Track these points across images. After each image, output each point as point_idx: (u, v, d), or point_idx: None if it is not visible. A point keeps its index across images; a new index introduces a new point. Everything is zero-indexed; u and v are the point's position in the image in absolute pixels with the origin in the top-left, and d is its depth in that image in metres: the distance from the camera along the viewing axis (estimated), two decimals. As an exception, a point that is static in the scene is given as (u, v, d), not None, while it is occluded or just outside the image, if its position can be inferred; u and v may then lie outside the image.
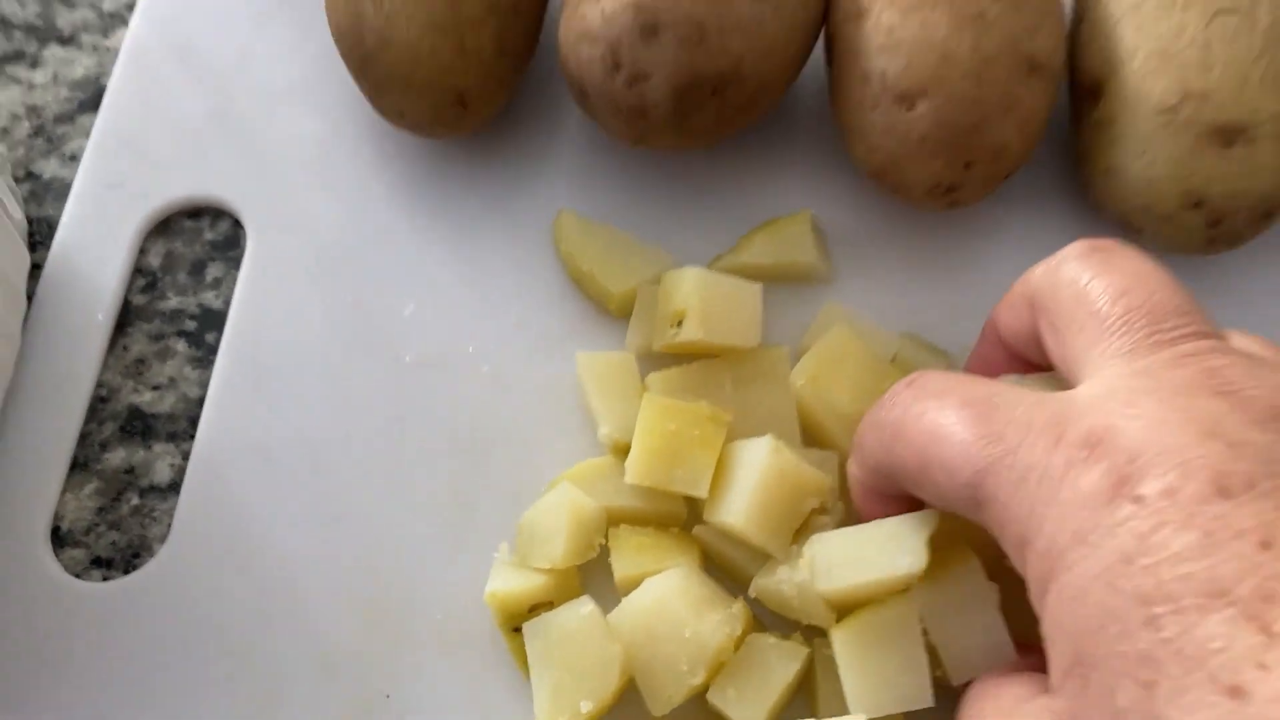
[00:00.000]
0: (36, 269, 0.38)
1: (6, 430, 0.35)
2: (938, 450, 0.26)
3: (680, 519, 0.33)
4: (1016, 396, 0.25)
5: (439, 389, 0.36)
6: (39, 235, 0.40)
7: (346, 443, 0.36)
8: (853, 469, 0.30)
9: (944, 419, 0.26)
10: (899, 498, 0.29)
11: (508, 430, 0.36)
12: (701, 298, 0.33)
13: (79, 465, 0.36)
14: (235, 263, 0.39)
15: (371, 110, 0.40)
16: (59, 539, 0.35)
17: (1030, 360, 0.29)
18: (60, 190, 0.41)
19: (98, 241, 0.39)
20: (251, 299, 0.38)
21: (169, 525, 0.35)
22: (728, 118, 0.36)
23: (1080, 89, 0.38)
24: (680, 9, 0.33)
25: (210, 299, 0.39)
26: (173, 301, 0.39)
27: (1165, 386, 0.24)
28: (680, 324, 0.34)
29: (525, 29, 0.38)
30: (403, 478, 0.35)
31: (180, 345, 0.38)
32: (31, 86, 0.43)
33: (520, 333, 0.37)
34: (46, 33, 0.45)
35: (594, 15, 0.34)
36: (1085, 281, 0.26)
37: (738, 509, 0.31)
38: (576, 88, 0.36)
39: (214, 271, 0.39)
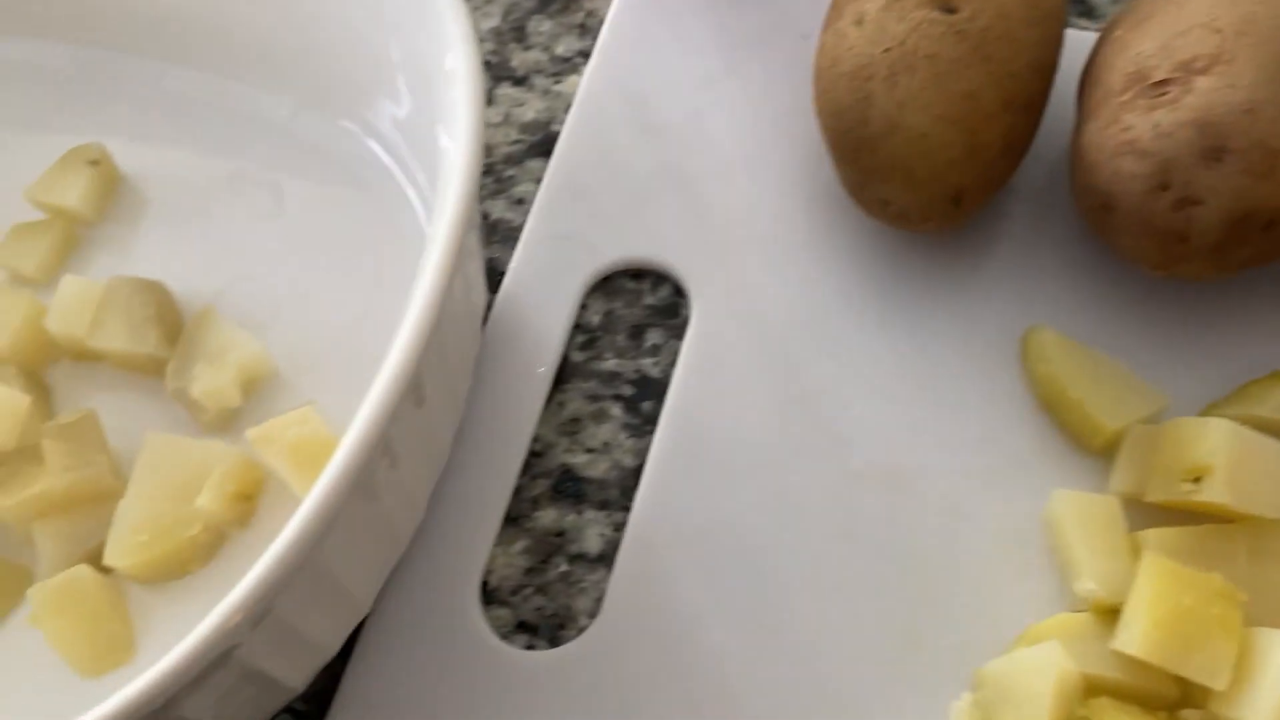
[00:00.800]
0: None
1: (451, 473, 0.35)
2: None
3: (1168, 701, 0.29)
4: None
5: (889, 504, 0.34)
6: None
7: (787, 546, 0.33)
8: None
9: None
10: None
11: (964, 563, 0.33)
12: (1231, 457, 0.29)
13: (510, 520, 0.35)
14: (674, 331, 0.38)
15: (826, 189, 0.38)
16: (487, 594, 0.34)
17: None
18: (506, 233, 0.41)
19: (544, 292, 0.38)
20: (693, 373, 0.36)
21: (596, 599, 0.33)
22: (1266, 254, 0.32)
23: None
24: (1253, 133, 0.29)
25: (648, 366, 0.37)
26: (610, 363, 0.38)
27: None
28: (1197, 480, 0.30)
29: (1030, 126, 0.35)
30: (848, 598, 0.32)
31: (616, 410, 0.37)
32: (485, 124, 0.44)
33: (979, 454, 0.34)
34: (500, 70, 0.45)
35: (1143, 127, 0.31)
36: None
37: (1265, 711, 0.27)
38: (1099, 199, 0.32)
39: (653, 338, 0.38)
